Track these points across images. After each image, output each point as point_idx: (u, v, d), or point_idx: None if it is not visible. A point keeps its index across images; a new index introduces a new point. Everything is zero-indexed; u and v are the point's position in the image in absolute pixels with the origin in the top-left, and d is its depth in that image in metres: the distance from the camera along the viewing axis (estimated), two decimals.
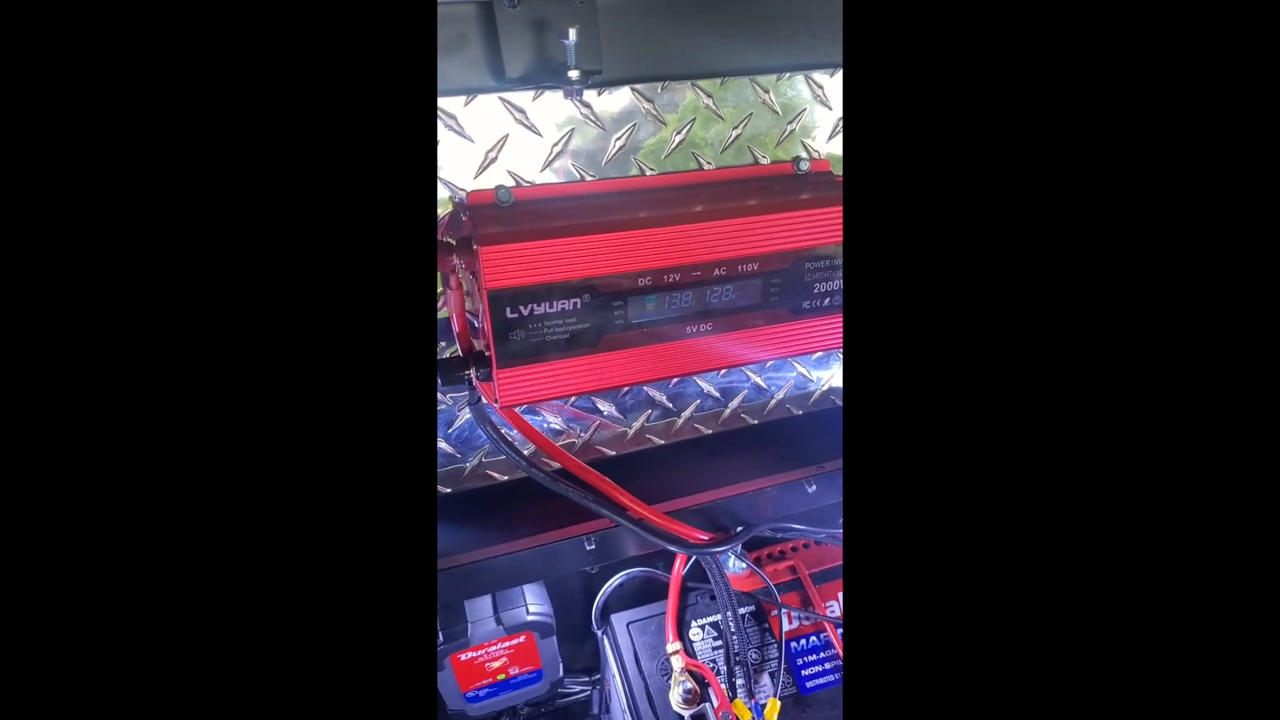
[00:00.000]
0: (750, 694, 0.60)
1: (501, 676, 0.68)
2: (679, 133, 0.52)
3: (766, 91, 0.53)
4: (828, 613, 0.66)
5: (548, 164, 0.50)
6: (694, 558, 0.66)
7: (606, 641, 0.67)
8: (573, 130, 0.50)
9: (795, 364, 0.67)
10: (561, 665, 0.72)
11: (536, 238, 0.44)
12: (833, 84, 0.55)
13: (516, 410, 0.55)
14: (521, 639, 0.66)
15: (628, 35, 0.49)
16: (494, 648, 0.66)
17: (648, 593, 0.70)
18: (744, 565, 0.66)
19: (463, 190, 0.49)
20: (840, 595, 0.68)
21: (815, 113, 0.55)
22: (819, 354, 0.67)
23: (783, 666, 0.61)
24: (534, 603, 0.66)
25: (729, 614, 0.63)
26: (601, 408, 0.62)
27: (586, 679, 0.80)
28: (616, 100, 0.50)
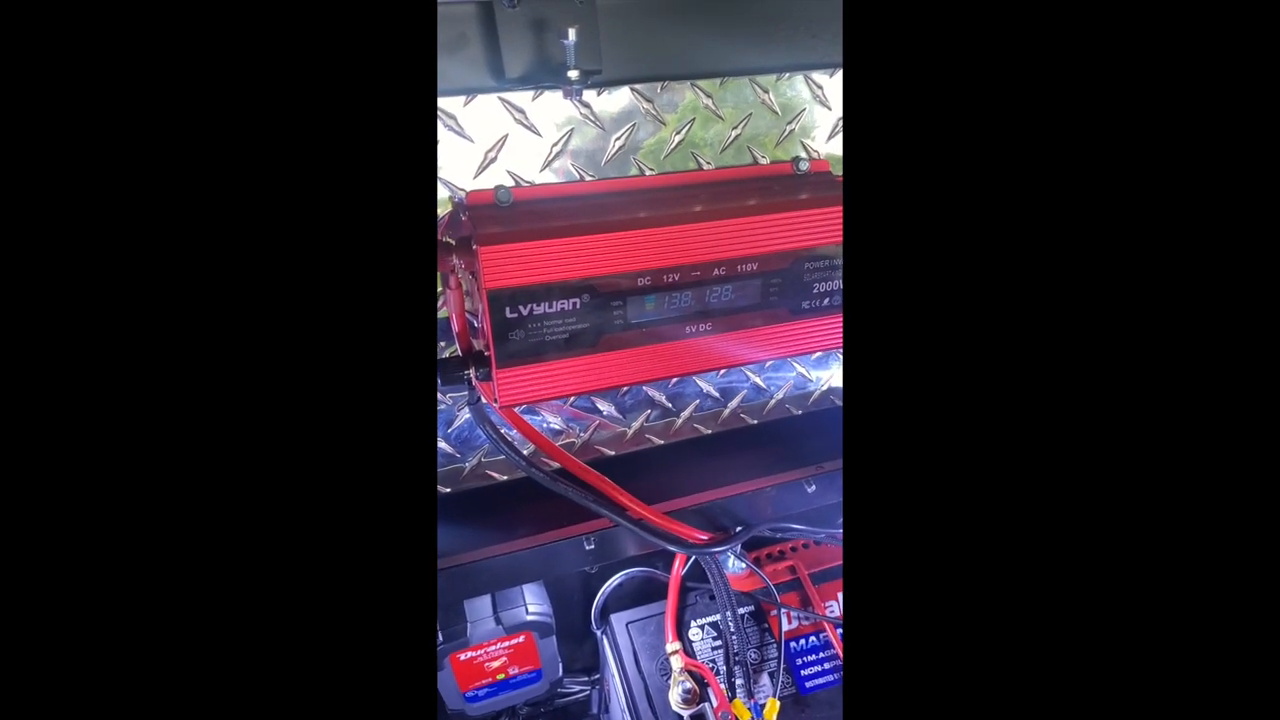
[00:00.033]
0: (749, 694, 0.60)
1: (501, 676, 0.68)
2: (678, 133, 0.52)
3: (766, 91, 0.53)
4: (827, 613, 0.66)
5: (547, 164, 0.50)
6: (693, 558, 0.66)
7: (606, 641, 0.67)
8: (572, 130, 0.50)
9: (795, 364, 0.67)
10: (561, 665, 0.72)
11: (536, 238, 0.44)
12: (832, 84, 0.55)
13: (516, 410, 0.55)
14: (521, 639, 0.66)
15: (627, 35, 0.49)
16: (493, 647, 0.66)
17: (647, 593, 0.70)
18: (743, 565, 0.66)
19: (462, 190, 0.49)
20: (840, 595, 0.68)
21: (815, 113, 0.55)
22: (818, 354, 0.67)
23: (782, 666, 0.61)
24: (533, 602, 0.66)
25: (728, 614, 0.63)
26: (601, 408, 0.62)
27: (586, 679, 0.80)
28: (616, 100, 0.50)
